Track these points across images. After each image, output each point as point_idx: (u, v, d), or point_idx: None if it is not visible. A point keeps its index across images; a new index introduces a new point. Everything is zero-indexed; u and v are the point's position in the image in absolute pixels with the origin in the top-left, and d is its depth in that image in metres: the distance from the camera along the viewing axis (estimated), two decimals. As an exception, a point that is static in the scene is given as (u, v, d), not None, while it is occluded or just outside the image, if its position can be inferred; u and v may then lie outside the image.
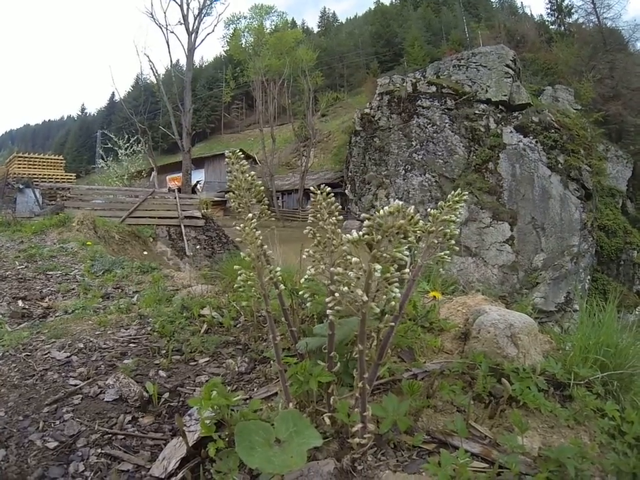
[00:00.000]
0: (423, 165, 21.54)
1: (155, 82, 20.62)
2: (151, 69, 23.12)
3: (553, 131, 18.05)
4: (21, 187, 11.03)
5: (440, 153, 21.29)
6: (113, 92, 77.73)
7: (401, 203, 0.65)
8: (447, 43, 46.10)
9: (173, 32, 18.53)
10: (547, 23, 41.95)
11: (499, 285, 17.29)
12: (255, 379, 1.64)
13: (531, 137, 18.47)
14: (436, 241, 0.94)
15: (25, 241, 5.66)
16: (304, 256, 1.03)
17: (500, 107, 20.37)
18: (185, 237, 12.50)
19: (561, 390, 1.36)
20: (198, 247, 12.82)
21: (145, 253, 4.88)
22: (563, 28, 38.67)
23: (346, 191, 26.10)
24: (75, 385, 1.54)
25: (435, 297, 1.64)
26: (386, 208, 0.65)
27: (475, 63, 21.24)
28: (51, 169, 16.26)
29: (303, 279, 1.05)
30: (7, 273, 3.70)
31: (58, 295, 3.30)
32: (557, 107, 20.33)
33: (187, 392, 1.56)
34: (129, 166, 18.95)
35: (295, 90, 34.01)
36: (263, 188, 1.14)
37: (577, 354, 1.44)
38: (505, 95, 20.14)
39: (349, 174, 25.34)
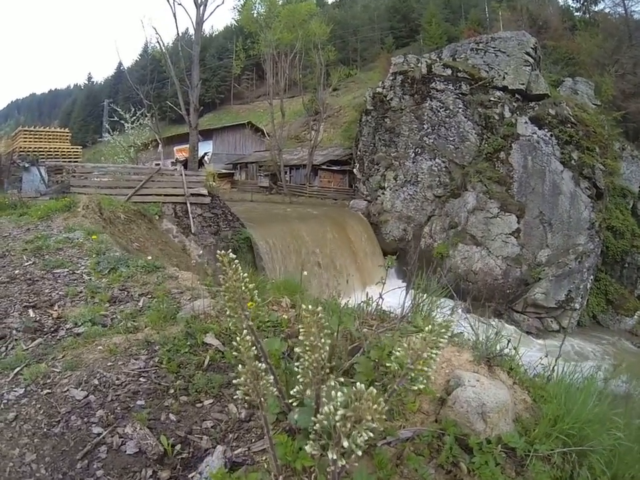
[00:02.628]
0: (434, 149, 21.15)
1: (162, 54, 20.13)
2: (158, 42, 22.49)
3: (569, 125, 17.58)
4: (26, 165, 11.01)
5: (451, 138, 20.84)
6: (121, 60, 75.96)
7: (371, 390, 0.68)
8: (466, 22, 44.19)
9: (180, 4, 17.95)
10: (571, 9, 40.21)
11: (502, 278, 17.31)
12: (254, 428, 1.74)
13: (546, 130, 18.02)
14: (413, 374, 0.97)
15: (31, 228, 5.71)
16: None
17: (516, 95, 19.77)
18: (190, 215, 12.54)
19: (521, 458, 1.50)
20: (203, 224, 12.87)
21: (149, 257, 4.91)
22: (588, 16, 37.05)
23: (354, 170, 25.80)
24: (99, 434, 1.67)
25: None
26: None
27: (493, 47, 20.48)
28: (57, 142, 16.20)
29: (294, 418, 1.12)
30: (16, 272, 3.76)
31: (66, 299, 3.37)
32: (575, 100, 19.71)
33: (196, 440, 1.69)
34: (135, 139, 18.80)
35: (307, 63, 33.09)
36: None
37: (543, 427, 1.59)
38: (523, 84, 19.52)
39: (358, 153, 24.95)
